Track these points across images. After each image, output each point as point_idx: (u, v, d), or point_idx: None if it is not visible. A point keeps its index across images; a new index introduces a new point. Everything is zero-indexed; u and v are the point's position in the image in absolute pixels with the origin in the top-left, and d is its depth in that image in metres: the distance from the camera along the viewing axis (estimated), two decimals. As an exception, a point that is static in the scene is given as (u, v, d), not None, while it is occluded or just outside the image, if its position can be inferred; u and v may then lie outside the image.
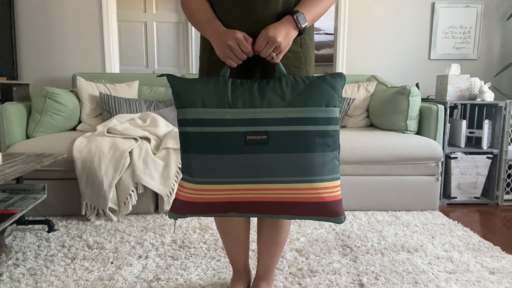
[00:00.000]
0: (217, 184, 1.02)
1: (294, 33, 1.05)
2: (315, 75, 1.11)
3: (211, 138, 1.00)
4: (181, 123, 1.03)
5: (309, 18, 1.07)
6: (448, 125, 2.61)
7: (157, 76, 1.11)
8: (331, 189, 1.03)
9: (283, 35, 1.01)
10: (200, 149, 1.01)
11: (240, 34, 1.01)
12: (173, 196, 2.22)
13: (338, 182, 1.05)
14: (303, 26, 1.05)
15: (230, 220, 1.31)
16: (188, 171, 1.04)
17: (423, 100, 3.09)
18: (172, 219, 1.12)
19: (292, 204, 1.03)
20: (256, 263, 1.45)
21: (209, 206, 1.06)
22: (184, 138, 1.03)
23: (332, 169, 1.02)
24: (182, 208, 1.08)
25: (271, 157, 0.99)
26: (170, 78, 1.04)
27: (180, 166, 2.23)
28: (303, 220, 2.20)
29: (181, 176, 2.24)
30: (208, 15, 1.09)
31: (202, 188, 1.03)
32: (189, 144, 1.02)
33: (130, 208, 2.19)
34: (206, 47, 1.18)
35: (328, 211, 1.03)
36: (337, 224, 2.14)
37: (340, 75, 1.03)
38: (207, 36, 1.09)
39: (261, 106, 0.99)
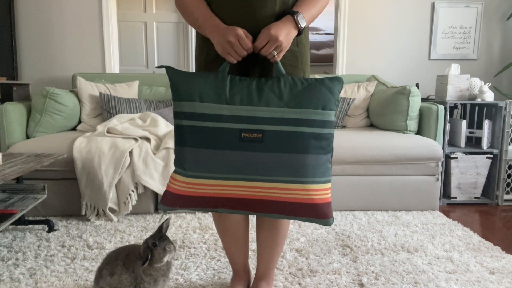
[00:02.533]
0: (209, 179, 1.02)
1: (294, 33, 1.06)
2: (316, 76, 1.11)
3: (206, 133, 1.00)
4: (177, 115, 1.03)
5: (307, 19, 1.08)
6: (448, 125, 2.61)
7: (156, 67, 1.11)
8: (322, 191, 1.03)
9: (285, 34, 1.02)
10: (194, 143, 1.01)
11: (240, 31, 1.02)
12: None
13: (329, 185, 1.05)
14: (302, 26, 1.06)
15: (229, 219, 1.31)
16: (180, 164, 1.05)
17: (423, 100, 3.09)
18: (162, 211, 1.12)
19: (283, 203, 1.04)
20: (256, 263, 1.44)
21: (199, 200, 1.07)
22: (179, 131, 1.03)
23: (324, 171, 1.03)
24: (173, 200, 1.08)
25: (265, 155, 0.99)
26: (169, 70, 1.04)
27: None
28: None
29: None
30: (206, 13, 1.10)
31: (193, 182, 1.03)
32: (183, 137, 1.03)
33: (130, 208, 2.19)
34: (203, 47, 1.18)
35: (318, 213, 1.04)
36: (336, 225, 2.14)
37: (339, 79, 1.04)
38: (206, 34, 1.09)
39: (258, 104, 0.99)
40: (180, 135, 1.03)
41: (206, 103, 1.00)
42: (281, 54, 1.05)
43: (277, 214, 1.07)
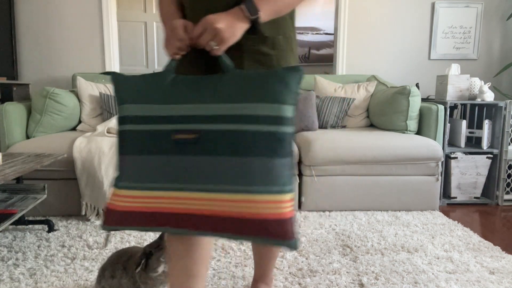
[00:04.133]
0: (143, 190, 0.88)
1: (243, 25, 0.89)
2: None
3: (137, 137, 0.89)
4: (117, 121, 0.95)
5: (267, 9, 0.90)
6: (448, 125, 2.61)
7: (100, 73, 1.05)
8: (276, 204, 0.81)
9: (226, 23, 0.86)
10: (127, 150, 0.90)
11: (177, 22, 0.89)
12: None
13: (288, 196, 0.83)
14: (253, 16, 0.88)
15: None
16: (117, 174, 0.94)
17: (423, 100, 3.09)
18: (105, 232, 1.02)
19: (231, 220, 0.83)
20: (254, 264, 1.44)
21: (139, 216, 0.89)
22: (117, 138, 0.94)
23: (277, 179, 0.82)
24: (111, 218, 0.91)
25: (203, 159, 0.83)
26: (113, 74, 0.95)
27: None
28: (302, 220, 2.19)
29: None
30: (170, 14, 1.03)
31: (125, 194, 0.90)
32: (119, 144, 0.93)
33: (130, 208, 2.19)
34: None
35: (270, 232, 0.81)
36: (336, 225, 2.14)
37: (296, 69, 0.84)
38: None
39: (195, 101, 0.85)
40: (117, 142, 0.93)
41: (139, 104, 0.89)
42: (223, 47, 0.87)
43: (227, 233, 0.84)
